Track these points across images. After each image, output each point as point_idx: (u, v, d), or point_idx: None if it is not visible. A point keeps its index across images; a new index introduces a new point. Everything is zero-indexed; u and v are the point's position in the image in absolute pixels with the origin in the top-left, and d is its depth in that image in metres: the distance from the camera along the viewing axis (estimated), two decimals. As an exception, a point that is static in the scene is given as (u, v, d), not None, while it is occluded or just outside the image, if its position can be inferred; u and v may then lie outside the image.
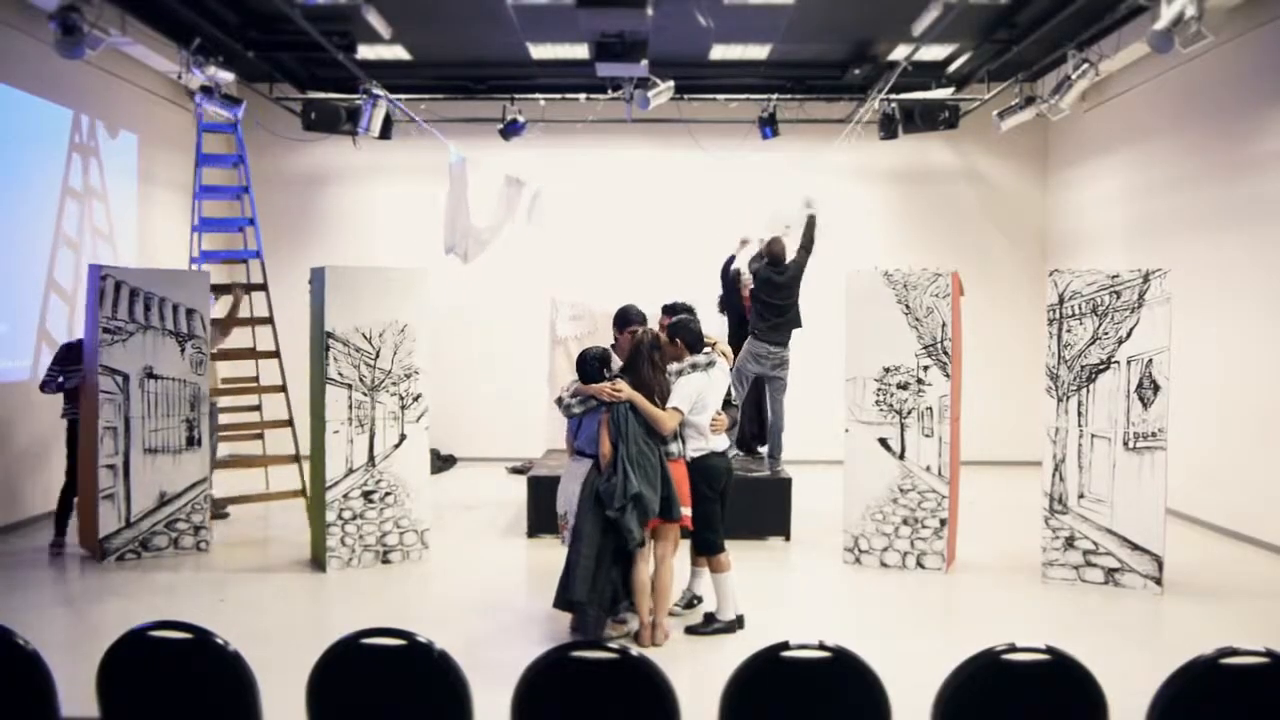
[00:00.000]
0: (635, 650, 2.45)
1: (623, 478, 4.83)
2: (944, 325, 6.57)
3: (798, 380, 8.79)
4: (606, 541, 4.96)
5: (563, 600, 5.10)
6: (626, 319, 5.69)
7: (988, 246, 11.49)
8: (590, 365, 5.21)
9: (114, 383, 6.64)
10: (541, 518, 7.28)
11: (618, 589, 5.22)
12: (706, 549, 5.30)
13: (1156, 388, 6.07)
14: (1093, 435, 6.22)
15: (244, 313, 8.28)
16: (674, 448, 5.12)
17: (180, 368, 6.96)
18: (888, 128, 10.38)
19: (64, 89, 8.37)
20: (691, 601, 5.70)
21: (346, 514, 6.60)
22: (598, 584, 4.95)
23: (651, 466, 4.93)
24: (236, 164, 8.59)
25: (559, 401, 5.25)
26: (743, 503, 6.64)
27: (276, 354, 8.16)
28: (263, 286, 8.38)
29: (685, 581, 5.75)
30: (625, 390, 4.97)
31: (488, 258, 10.41)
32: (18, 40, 7.77)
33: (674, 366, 5.20)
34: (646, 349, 5.11)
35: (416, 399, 6.83)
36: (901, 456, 6.66)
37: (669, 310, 6.13)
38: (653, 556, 5.13)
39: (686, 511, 5.09)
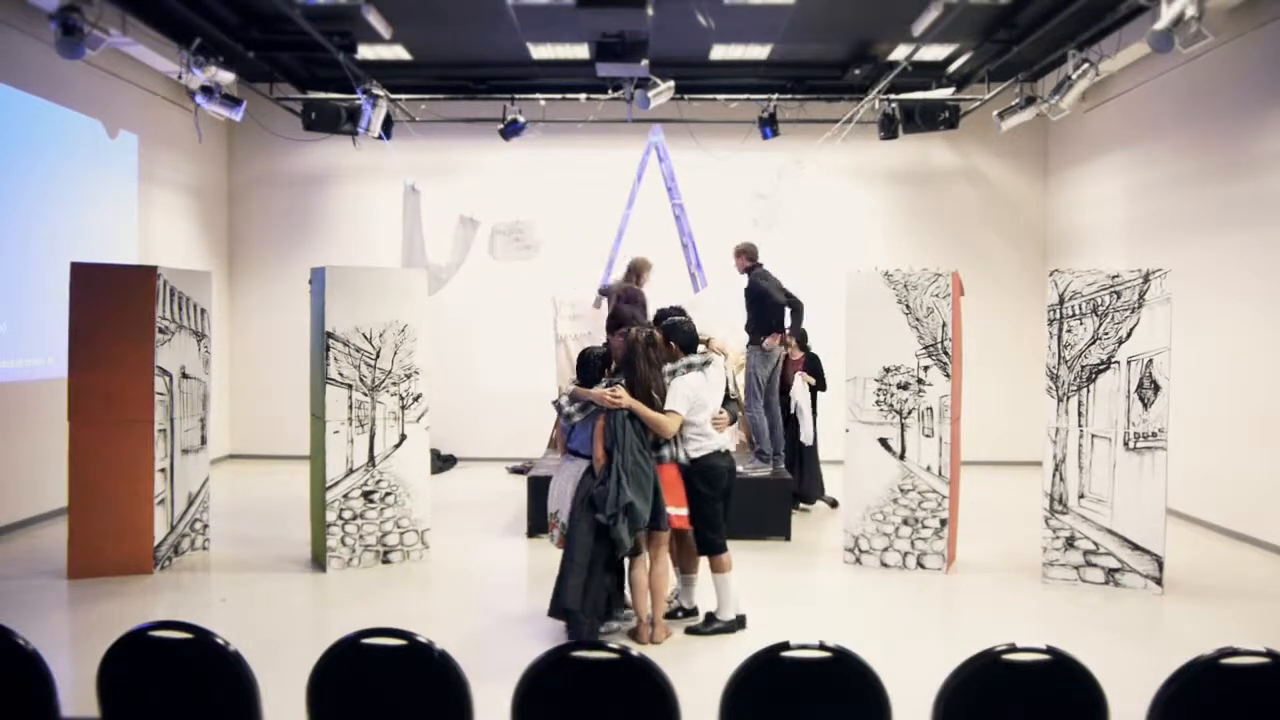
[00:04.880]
0: (635, 650, 2.45)
1: (616, 486, 4.80)
2: (944, 325, 6.57)
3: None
4: (599, 548, 4.93)
5: (556, 608, 5.08)
6: (618, 321, 5.67)
7: (988, 246, 11.50)
8: (592, 365, 5.21)
9: (164, 383, 6.57)
10: (541, 518, 7.26)
11: (611, 595, 5.20)
12: (708, 549, 5.27)
13: (1157, 388, 6.06)
14: (1093, 435, 6.21)
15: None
16: (665, 452, 5.10)
17: (199, 366, 6.97)
18: (888, 128, 10.38)
19: (64, 89, 8.37)
20: (676, 613, 5.53)
21: (346, 514, 6.60)
22: (590, 591, 4.92)
23: (645, 476, 4.90)
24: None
25: (558, 408, 5.23)
26: (743, 503, 6.61)
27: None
28: None
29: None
30: (625, 398, 4.95)
31: (488, 258, 10.43)
32: (18, 40, 7.77)
33: (668, 367, 5.19)
34: (641, 346, 5.07)
35: (416, 399, 6.83)
36: (902, 457, 6.66)
37: (661, 317, 6.08)
38: (647, 556, 5.12)
39: (678, 512, 5.08)
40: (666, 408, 5.04)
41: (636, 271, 8.67)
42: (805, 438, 8.30)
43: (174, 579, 6.44)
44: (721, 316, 8.51)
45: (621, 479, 4.81)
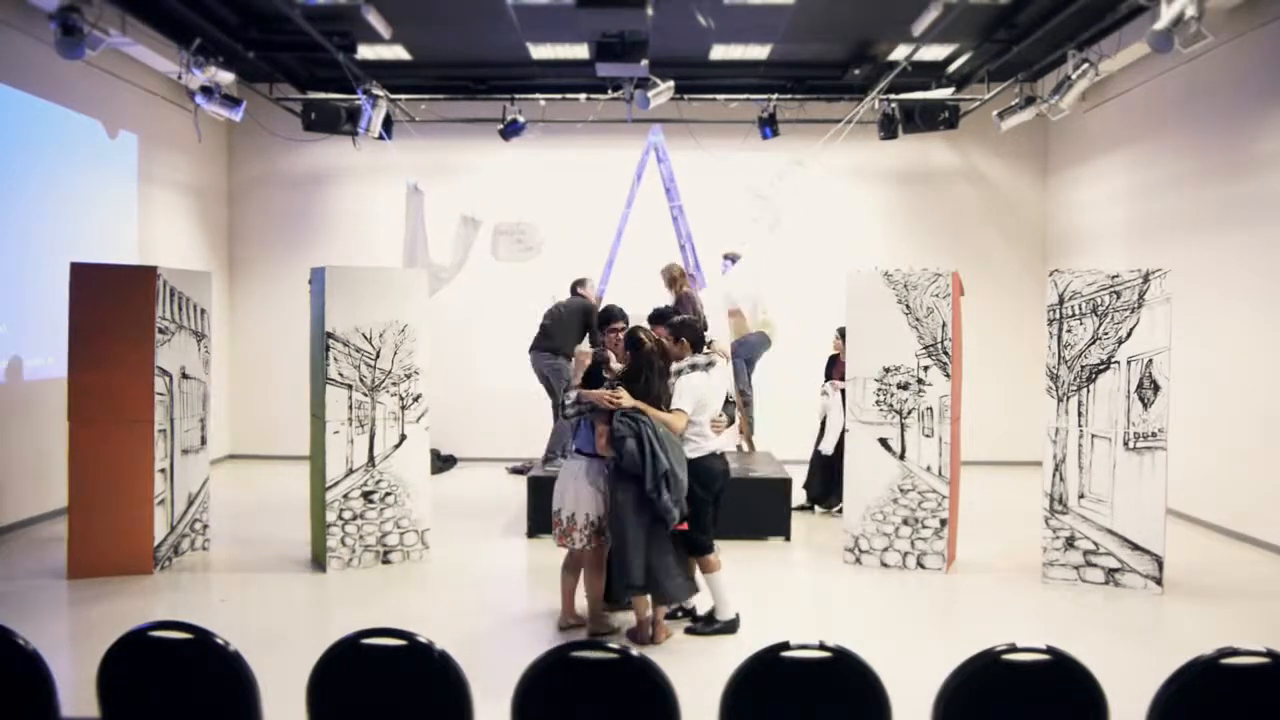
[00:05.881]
0: (635, 650, 2.45)
1: (651, 458, 4.79)
2: (944, 325, 6.57)
3: (798, 380, 8.79)
4: (655, 530, 4.92)
5: (622, 590, 5.04)
6: (610, 318, 5.69)
7: (988, 246, 11.49)
8: (594, 367, 5.22)
9: (164, 384, 6.57)
10: (541, 518, 7.27)
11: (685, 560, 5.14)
12: (696, 550, 5.21)
13: (1157, 388, 6.06)
14: (1093, 435, 6.21)
15: None
16: None
17: (199, 367, 6.97)
18: (888, 128, 10.37)
19: (64, 89, 8.37)
20: (676, 613, 5.51)
21: (346, 514, 6.60)
22: (653, 564, 4.89)
23: (675, 445, 4.91)
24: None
25: (562, 405, 5.23)
26: (743, 503, 6.63)
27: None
28: None
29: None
30: (625, 399, 4.94)
31: (489, 258, 10.44)
32: (18, 40, 7.77)
33: (674, 366, 5.18)
34: (657, 359, 5.05)
35: (416, 399, 6.83)
36: (902, 457, 6.66)
37: (658, 318, 6.06)
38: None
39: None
40: (673, 406, 5.03)
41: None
42: (825, 446, 8.13)
43: (174, 579, 6.43)
44: (720, 317, 8.52)
45: (655, 450, 4.79)
